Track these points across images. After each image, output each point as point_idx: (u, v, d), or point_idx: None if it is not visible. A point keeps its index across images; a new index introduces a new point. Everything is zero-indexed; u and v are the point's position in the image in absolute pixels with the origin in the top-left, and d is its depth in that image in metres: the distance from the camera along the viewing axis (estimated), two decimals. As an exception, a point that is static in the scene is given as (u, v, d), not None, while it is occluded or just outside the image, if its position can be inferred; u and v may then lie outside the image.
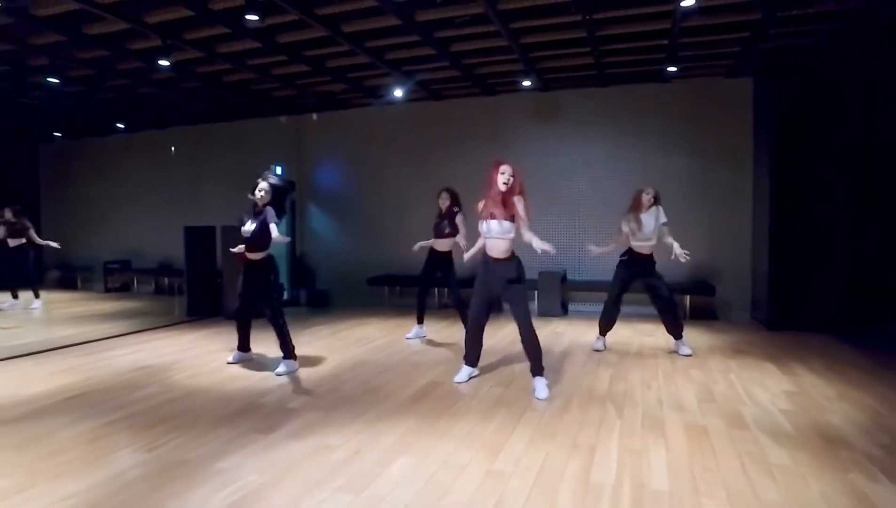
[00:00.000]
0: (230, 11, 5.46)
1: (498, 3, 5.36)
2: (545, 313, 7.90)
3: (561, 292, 8.04)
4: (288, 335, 5.01)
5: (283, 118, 9.90)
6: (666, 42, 6.32)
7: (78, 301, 9.82)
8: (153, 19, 5.66)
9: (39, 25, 5.74)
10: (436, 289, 8.67)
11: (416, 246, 6.25)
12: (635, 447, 3.21)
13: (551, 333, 6.62)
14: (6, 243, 8.46)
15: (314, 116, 9.73)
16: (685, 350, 5.46)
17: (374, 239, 9.37)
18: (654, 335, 6.38)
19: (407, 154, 9.23)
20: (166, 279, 10.77)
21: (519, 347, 4.47)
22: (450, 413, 3.82)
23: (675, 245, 5.25)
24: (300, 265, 9.82)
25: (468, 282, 4.81)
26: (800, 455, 3.07)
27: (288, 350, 4.99)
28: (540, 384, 4.22)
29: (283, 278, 8.28)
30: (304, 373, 4.93)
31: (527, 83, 7.65)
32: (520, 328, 4.27)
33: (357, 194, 9.61)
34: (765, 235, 6.90)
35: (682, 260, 5.21)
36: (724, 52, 6.74)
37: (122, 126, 10.76)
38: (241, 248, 5.06)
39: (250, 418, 3.75)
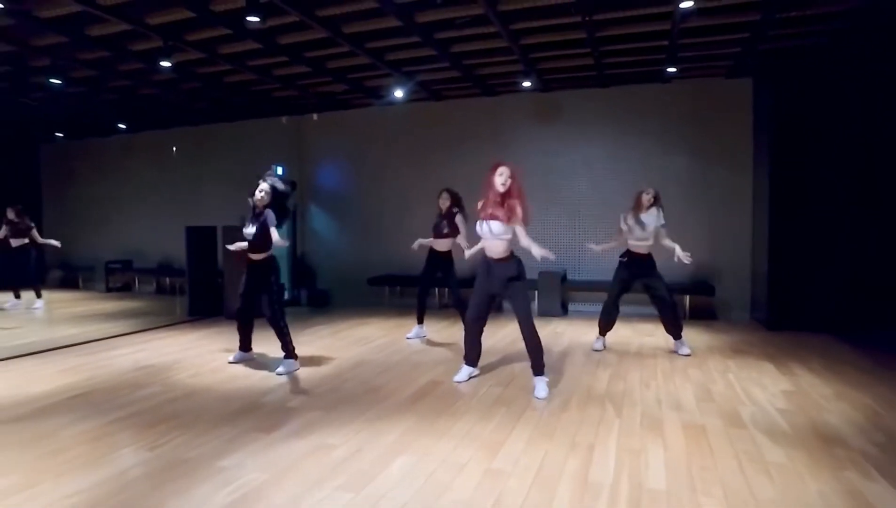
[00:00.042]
0: (231, 13, 5.48)
1: (498, 4, 5.38)
2: (545, 313, 7.93)
3: (561, 292, 8.06)
4: (288, 335, 5.04)
5: (284, 119, 9.93)
6: (666, 43, 6.34)
7: (79, 301, 9.86)
8: (154, 21, 5.69)
9: (42, 27, 5.77)
10: (436, 289, 8.70)
11: (416, 243, 6.29)
12: (633, 446, 3.24)
13: (551, 333, 6.64)
14: (9, 243, 8.49)
15: (315, 116, 9.76)
16: (684, 350, 5.49)
17: (374, 239, 9.40)
18: (654, 335, 6.40)
19: (407, 154, 9.26)
20: (167, 279, 10.81)
21: (519, 347, 4.50)
22: (449, 413, 3.84)
23: (677, 248, 5.28)
24: (301, 265, 9.85)
25: (468, 282, 4.83)
26: (796, 453, 3.09)
27: (288, 350, 5.02)
28: (540, 384, 4.25)
29: (285, 278, 8.31)
30: (305, 372, 4.96)
31: (527, 84, 7.68)
32: (521, 327, 4.30)
33: (358, 194, 9.64)
34: (764, 235, 6.93)
35: (686, 261, 5.25)
36: (723, 52, 6.76)
37: (123, 126, 10.79)
38: (239, 245, 5.09)
39: (251, 417, 3.78)
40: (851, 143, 6.54)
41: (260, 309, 5.08)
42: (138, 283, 11.36)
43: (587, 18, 5.60)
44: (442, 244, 6.19)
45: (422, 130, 9.18)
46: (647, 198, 5.42)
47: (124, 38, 6.30)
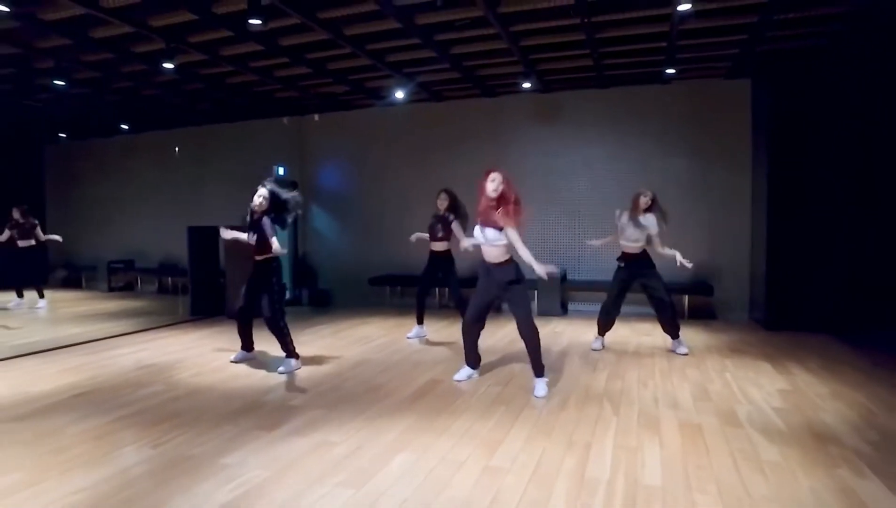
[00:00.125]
0: (233, 15, 5.53)
1: (498, 6, 5.42)
2: (545, 313, 7.97)
3: (561, 292, 8.10)
4: (289, 334, 5.08)
5: (285, 119, 9.98)
6: (664, 44, 6.38)
7: (82, 300, 9.92)
8: (157, 23, 5.74)
9: (46, 29, 5.82)
10: (436, 289, 8.74)
11: (413, 236, 6.47)
12: (630, 444, 3.28)
13: (551, 332, 6.68)
14: (15, 244, 8.56)
15: (316, 117, 9.80)
16: (682, 350, 5.53)
17: (375, 239, 9.45)
18: (652, 334, 6.44)
19: (408, 155, 9.31)
20: (170, 279, 10.85)
21: (518, 346, 4.55)
22: (449, 411, 3.89)
23: (677, 254, 5.32)
24: (302, 265, 9.90)
25: (469, 282, 4.87)
26: (791, 451, 3.13)
27: (289, 350, 5.07)
28: (540, 384, 4.29)
29: (286, 278, 8.36)
30: (306, 372, 5.00)
31: (527, 85, 7.72)
32: (520, 330, 4.33)
33: (359, 194, 9.69)
34: (763, 235, 6.96)
35: (688, 265, 5.30)
36: (722, 54, 6.80)
37: (126, 127, 10.85)
38: (233, 234, 5.18)
39: (253, 415, 3.83)
40: (849, 143, 6.57)
41: (260, 309, 5.12)
42: (140, 283, 11.41)
43: (586, 20, 5.64)
44: (439, 245, 6.25)
45: (422, 131, 9.23)
46: (644, 200, 5.45)
47: (127, 41, 6.35)
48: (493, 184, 4.18)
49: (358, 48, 6.46)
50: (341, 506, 2.57)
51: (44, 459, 3.09)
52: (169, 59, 6.30)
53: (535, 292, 7.96)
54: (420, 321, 6.51)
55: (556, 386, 4.45)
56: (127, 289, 11.37)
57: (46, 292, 9.05)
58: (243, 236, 5.12)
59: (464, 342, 4.70)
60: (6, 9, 5.07)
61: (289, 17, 5.53)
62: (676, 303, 7.43)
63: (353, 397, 4.25)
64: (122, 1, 5.22)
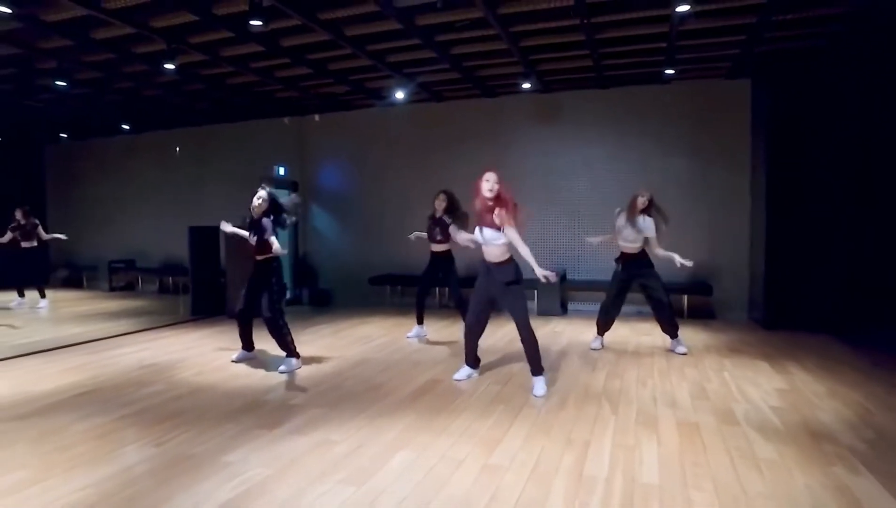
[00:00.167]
0: (234, 16, 5.56)
1: (497, 7, 5.45)
2: (545, 313, 8.00)
3: (560, 292, 8.13)
4: (289, 334, 5.11)
5: (286, 119, 10.01)
6: (664, 45, 6.41)
7: (83, 300, 9.96)
8: (158, 24, 5.77)
9: (48, 30, 5.85)
10: (436, 289, 8.77)
11: (413, 235, 6.57)
12: (628, 442, 3.31)
13: (550, 332, 6.72)
14: (18, 245, 8.60)
15: (317, 117, 9.83)
16: (681, 349, 5.56)
17: (375, 239, 9.48)
18: (651, 334, 6.47)
19: (408, 155, 9.34)
20: (170, 279, 10.89)
21: (517, 346, 4.57)
22: (449, 410, 3.92)
23: (675, 257, 5.35)
24: (303, 265, 9.94)
25: (469, 282, 4.90)
26: (787, 449, 3.16)
27: (289, 350, 5.10)
28: (539, 383, 4.32)
29: (287, 278, 8.39)
30: (307, 371, 5.04)
31: (527, 85, 7.74)
32: (518, 329, 4.37)
33: (359, 194, 9.72)
34: (761, 235, 6.99)
35: (689, 265, 5.33)
36: (721, 54, 6.82)
37: (127, 127, 10.87)
38: (233, 229, 5.19)
39: (254, 414, 3.86)
40: (848, 143, 6.60)
41: (260, 309, 5.15)
42: (141, 282, 11.45)
43: (585, 21, 5.66)
44: (439, 246, 6.28)
45: (423, 131, 9.26)
46: (641, 201, 5.48)
47: (129, 41, 6.38)
48: (487, 184, 4.22)
49: (358, 49, 6.49)
50: (342, 504, 2.60)
51: (48, 457, 3.12)
52: (170, 60, 6.32)
53: (535, 291, 7.99)
54: (420, 321, 6.54)
55: (555, 385, 4.48)
56: (128, 289, 11.41)
57: (48, 292, 9.08)
58: (244, 233, 5.17)
59: (466, 341, 4.74)
60: (8, 10, 5.11)
61: (289, 18, 5.56)
62: (676, 303, 7.48)
63: (354, 396, 4.28)
64: (123, 2, 5.25)
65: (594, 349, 5.76)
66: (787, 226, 6.73)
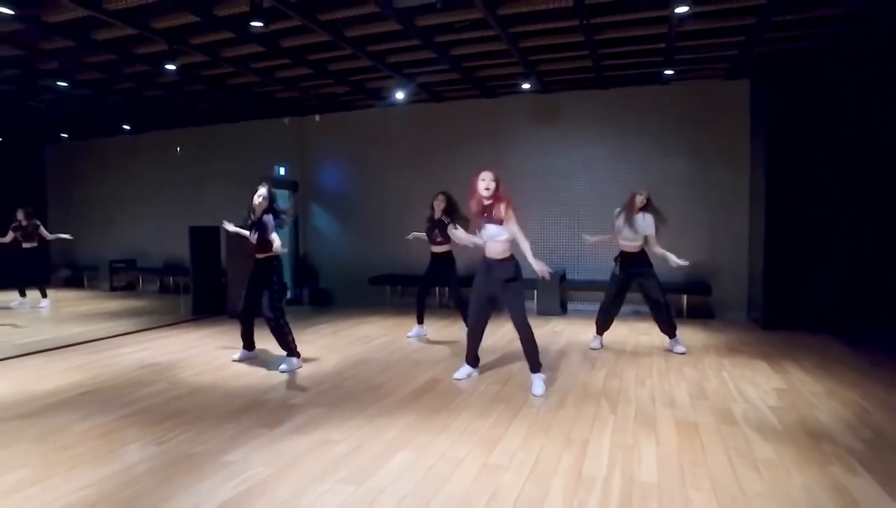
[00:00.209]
0: (235, 17, 5.58)
1: (497, 8, 5.46)
2: (544, 313, 8.02)
3: (560, 292, 8.15)
4: (290, 333, 5.13)
5: (286, 120, 10.03)
6: (663, 46, 6.43)
7: (84, 300, 9.98)
8: (160, 25, 5.79)
9: (50, 31, 5.87)
10: (436, 289, 8.79)
11: (412, 235, 6.62)
12: (627, 441, 3.33)
13: (550, 331, 6.73)
14: (19, 245, 8.63)
15: (317, 117, 9.85)
16: (679, 349, 5.57)
17: (376, 239, 9.50)
18: (650, 333, 6.48)
19: (408, 155, 9.35)
20: (171, 278, 10.91)
21: (517, 345, 4.59)
22: (448, 409, 3.93)
23: (671, 256, 5.37)
24: (303, 265, 9.95)
25: (469, 281, 4.92)
26: (785, 449, 3.18)
27: (290, 349, 5.11)
28: (537, 381, 4.34)
29: (287, 278, 8.41)
30: (307, 370, 5.05)
31: (526, 86, 7.76)
32: (516, 327, 4.40)
33: (359, 194, 9.74)
34: (761, 235, 7.00)
35: (685, 264, 5.36)
36: (721, 55, 6.84)
37: (128, 128, 10.90)
38: (236, 229, 5.19)
39: (255, 413, 3.88)
40: (848, 143, 6.61)
41: (260, 308, 5.17)
42: (142, 282, 11.48)
43: (584, 22, 5.68)
44: (439, 247, 6.30)
45: (423, 131, 9.28)
46: (640, 199, 5.50)
47: (130, 42, 6.40)
48: (483, 183, 4.28)
49: (359, 50, 6.50)
50: (342, 503, 2.62)
51: (49, 456, 3.14)
52: (171, 61, 6.34)
53: (535, 291, 8.01)
54: (420, 321, 6.56)
55: (554, 385, 4.50)
56: (129, 289, 11.43)
57: (49, 292, 9.10)
58: (245, 232, 5.19)
59: (469, 340, 4.76)
60: (10, 11, 5.12)
61: (290, 19, 5.58)
62: (675, 302, 7.51)
63: (354, 395, 4.30)
64: (125, 3, 5.27)
65: (593, 349, 5.77)
66: (786, 226, 6.75)
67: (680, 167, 7.99)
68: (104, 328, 7.10)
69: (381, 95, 8.69)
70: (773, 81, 6.88)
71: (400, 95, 8.20)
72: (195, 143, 10.84)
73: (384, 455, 3.16)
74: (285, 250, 5.13)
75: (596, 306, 6.10)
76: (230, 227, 5.43)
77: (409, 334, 6.57)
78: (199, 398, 4.24)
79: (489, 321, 4.83)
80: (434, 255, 6.36)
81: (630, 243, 5.55)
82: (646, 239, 5.51)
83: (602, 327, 5.85)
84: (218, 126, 10.59)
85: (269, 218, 4.99)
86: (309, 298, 9.48)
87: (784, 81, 6.82)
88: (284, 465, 3.03)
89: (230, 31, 5.90)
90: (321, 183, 10.03)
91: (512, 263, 4.40)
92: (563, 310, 8.27)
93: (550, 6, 5.38)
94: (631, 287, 5.74)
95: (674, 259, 5.36)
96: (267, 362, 5.32)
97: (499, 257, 4.39)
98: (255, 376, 4.89)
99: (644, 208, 5.48)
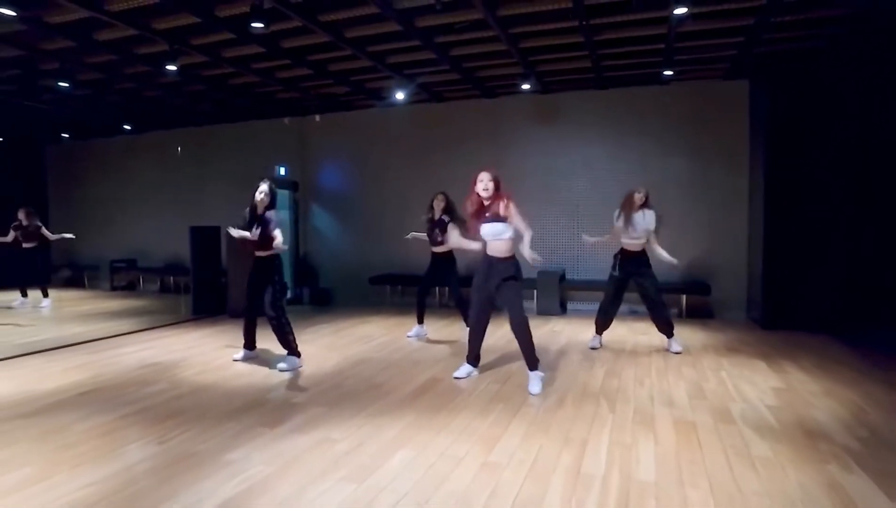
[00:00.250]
0: (236, 18, 5.60)
1: (497, 9, 5.49)
2: (544, 312, 8.03)
3: (559, 292, 8.17)
4: (291, 332, 5.15)
5: (286, 120, 10.05)
6: (662, 46, 6.45)
7: (85, 300, 10.00)
8: (161, 26, 5.82)
9: (51, 32, 5.90)
10: (437, 288, 8.82)
11: (410, 235, 6.66)
12: (625, 440, 3.35)
13: (549, 331, 6.75)
14: (20, 244, 8.65)
15: (317, 117, 9.87)
16: (675, 348, 5.60)
17: (376, 239, 9.52)
18: (649, 333, 6.49)
19: (409, 155, 9.38)
20: (172, 278, 10.94)
21: (516, 345, 4.61)
22: (448, 409, 3.96)
23: (664, 253, 5.41)
24: (303, 264, 9.98)
25: (469, 281, 4.95)
26: (781, 447, 3.20)
27: (291, 348, 5.14)
28: (534, 380, 4.37)
29: (287, 277, 8.43)
30: (308, 370, 5.08)
31: (526, 86, 7.78)
32: (513, 324, 4.43)
33: (359, 194, 9.76)
34: (760, 235, 7.02)
35: (674, 263, 5.40)
36: (720, 55, 6.86)
37: (128, 128, 10.93)
38: (241, 233, 5.17)
39: (256, 413, 3.90)
40: (847, 144, 6.63)
41: (262, 307, 5.19)
42: (143, 282, 11.50)
43: (584, 23, 5.70)
44: (440, 247, 6.32)
45: (423, 131, 9.30)
46: (638, 197, 5.53)
47: (131, 43, 6.43)
48: (482, 184, 4.34)
49: (359, 50, 6.53)
50: (343, 501, 2.64)
51: (52, 455, 3.16)
52: (172, 61, 6.37)
53: (535, 291, 8.03)
54: (420, 321, 6.58)
55: (553, 384, 4.52)
56: (129, 288, 11.46)
57: (50, 291, 9.12)
58: (246, 234, 5.17)
59: (470, 340, 4.79)
60: (13, 12, 5.15)
61: (290, 20, 5.61)
62: (674, 302, 7.53)
63: (354, 395, 4.32)
64: (126, 4, 5.29)
65: (593, 349, 5.80)
66: (785, 226, 6.77)
67: (679, 167, 8.01)
68: (105, 327, 7.12)
69: (381, 96, 8.71)
70: (773, 81, 6.91)
71: (400, 96, 8.23)
72: (196, 143, 10.87)
73: (384, 453, 3.19)
74: (286, 247, 5.14)
75: (595, 306, 6.12)
76: (236, 233, 5.34)
77: (409, 333, 6.59)
78: (201, 397, 4.27)
79: (490, 321, 4.86)
80: (434, 255, 6.39)
81: (634, 242, 5.57)
82: (648, 235, 5.55)
83: (601, 326, 5.87)
84: (218, 126, 10.61)
85: (271, 214, 5.02)
86: (309, 297, 9.50)
87: (783, 81, 6.84)
88: (285, 464, 3.05)
89: (231, 32, 5.93)
90: (321, 183, 10.05)
91: (513, 261, 4.44)
92: (562, 310, 8.29)
93: (550, 7, 5.41)
94: (628, 287, 5.77)
95: (666, 256, 5.41)
96: (268, 361, 5.34)
97: (501, 255, 4.42)
98: (256, 375, 4.92)
99: (644, 206, 5.51)
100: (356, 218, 9.78)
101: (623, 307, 7.12)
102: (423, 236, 6.45)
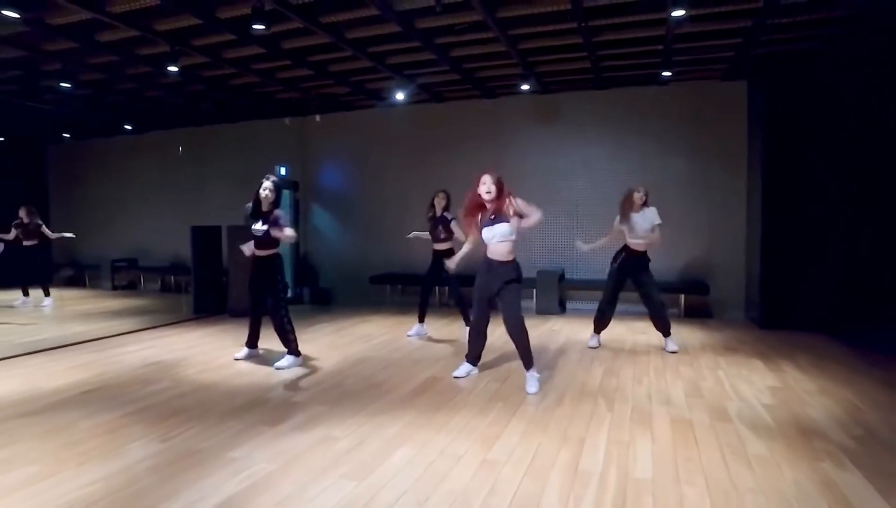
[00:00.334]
0: (237, 19, 5.64)
1: (496, 10, 5.52)
2: (543, 311, 8.07)
3: (559, 291, 8.21)
4: (292, 331, 5.19)
5: (287, 120, 10.08)
6: (660, 47, 6.48)
7: (86, 299, 10.04)
8: (162, 27, 5.85)
9: (53, 33, 5.93)
10: (437, 288, 8.85)
11: (412, 234, 6.71)
12: (623, 438, 3.39)
13: (548, 330, 6.78)
14: (20, 243, 8.69)
15: (317, 117, 9.90)
16: (671, 347, 5.63)
17: (376, 238, 9.56)
18: (647, 332, 6.52)
19: (409, 155, 9.41)
20: (173, 278, 10.97)
21: (515, 345, 4.65)
22: (448, 407, 4.00)
23: (641, 240, 5.51)
24: (304, 264, 10.01)
25: (469, 280, 4.99)
26: (777, 445, 3.25)
27: (291, 347, 5.18)
28: (531, 379, 4.41)
29: (288, 277, 8.45)
30: (309, 369, 5.12)
31: (526, 86, 7.81)
32: (509, 325, 4.45)
33: (360, 194, 9.80)
34: (758, 235, 7.06)
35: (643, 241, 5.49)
36: (718, 56, 6.90)
37: (129, 128, 10.96)
38: (251, 247, 5.18)
39: (258, 411, 3.94)
40: (845, 144, 6.66)
41: (266, 305, 5.23)
42: (144, 281, 11.54)
43: (583, 25, 5.73)
44: (442, 245, 6.37)
45: (423, 132, 9.33)
46: (638, 196, 5.57)
47: (132, 44, 6.46)
48: (484, 187, 4.33)
49: (359, 51, 6.56)
50: (343, 498, 2.68)
51: (57, 453, 3.20)
52: (173, 62, 6.40)
53: (534, 290, 8.07)
54: (421, 319, 6.62)
55: (552, 383, 4.57)
56: (130, 288, 11.49)
57: (51, 291, 9.15)
58: (251, 244, 5.19)
59: (471, 339, 4.83)
60: (16, 14, 5.18)
61: (291, 21, 5.64)
62: (673, 302, 7.57)
63: (355, 393, 4.36)
64: (128, 6, 5.33)
65: (591, 348, 5.84)
66: (783, 226, 6.81)
67: (679, 167, 8.04)
68: (107, 326, 7.16)
69: (381, 96, 8.74)
70: (770, 82, 6.94)
71: (400, 96, 8.26)
72: (196, 143, 10.90)
73: (385, 451, 3.23)
74: (295, 236, 5.16)
75: (594, 306, 6.16)
76: (247, 250, 5.30)
77: (410, 332, 6.63)
78: (203, 395, 4.31)
79: (490, 321, 4.90)
80: (436, 253, 6.42)
81: (640, 241, 5.60)
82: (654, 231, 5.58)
83: (600, 325, 5.91)
84: (219, 126, 10.65)
85: (279, 212, 5.06)
86: (309, 297, 9.55)
87: (781, 82, 6.88)
88: (287, 461, 3.09)
89: (232, 33, 5.96)
90: (322, 183, 10.09)
91: (514, 264, 4.46)
92: (561, 309, 8.33)
93: (549, 9, 5.44)
94: (626, 285, 5.80)
95: (641, 240, 5.48)
96: (269, 360, 5.36)
97: (502, 258, 4.43)
98: (258, 374, 4.96)
99: (644, 205, 5.56)
100: (356, 218, 9.82)
101: (621, 307, 7.18)
102: (425, 234, 6.50)
